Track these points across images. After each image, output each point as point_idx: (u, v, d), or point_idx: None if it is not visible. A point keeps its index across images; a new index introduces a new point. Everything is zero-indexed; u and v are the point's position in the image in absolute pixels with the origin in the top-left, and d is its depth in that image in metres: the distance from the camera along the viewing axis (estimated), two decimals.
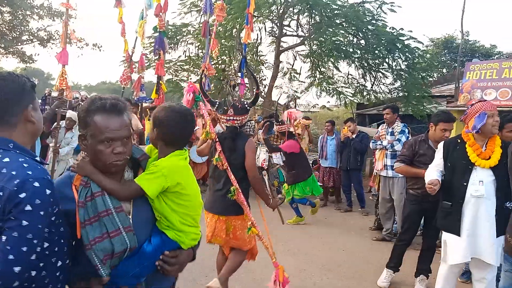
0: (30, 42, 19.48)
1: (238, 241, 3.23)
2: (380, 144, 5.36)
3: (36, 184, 1.23)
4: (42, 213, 1.23)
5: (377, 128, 11.86)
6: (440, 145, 3.32)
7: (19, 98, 1.36)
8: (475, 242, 3.02)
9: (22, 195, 1.20)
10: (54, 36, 19.74)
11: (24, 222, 1.20)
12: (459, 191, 3.07)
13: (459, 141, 3.19)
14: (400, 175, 4.76)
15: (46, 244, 1.30)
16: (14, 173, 1.23)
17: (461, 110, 10.14)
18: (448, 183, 3.18)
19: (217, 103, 3.42)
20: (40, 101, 6.46)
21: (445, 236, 3.20)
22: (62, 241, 1.39)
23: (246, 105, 3.33)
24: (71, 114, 6.19)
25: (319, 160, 7.51)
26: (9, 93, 1.33)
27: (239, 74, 8.41)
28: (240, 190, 3.07)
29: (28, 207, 1.20)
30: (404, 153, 3.89)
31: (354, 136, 6.78)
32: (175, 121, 1.68)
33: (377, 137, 5.56)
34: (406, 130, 5.27)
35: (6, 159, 1.27)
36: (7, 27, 18.77)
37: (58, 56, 5.89)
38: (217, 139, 3.22)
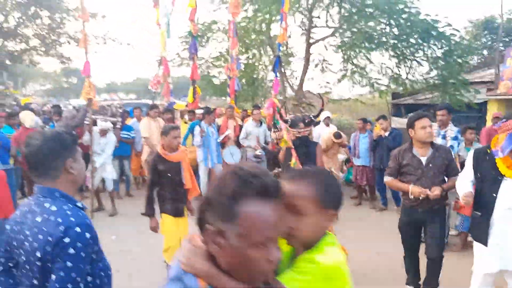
0: (68, 44, 20.26)
1: None
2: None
3: (78, 229, 1.48)
4: (83, 254, 1.48)
5: None
6: (470, 154, 3.27)
7: (60, 154, 1.60)
8: (506, 254, 3.01)
9: (67, 240, 1.45)
10: (89, 37, 20.42)
11: (69, 264, 1.44)
12: (489, 202, 3.05)
13: (488, 151, 3.13)
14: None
15: (89, 278, 1.55)
16: (60, 220, 1.48)
17: (501, 99, 9.70)
18: (478, 193, 3.15)
19: (289, 120, 4.41)
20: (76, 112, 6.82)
21: (475, 246, 3.24)
22: (103, 274, 1.63)
23: (312, 118, 4.30)
24: (102, 124, 6.43)
25: (351, 158, 7.47)
26: (52, 150, 1.58)
27: (273, 72, 8.46)
28: None
29: (71, 250, 1.45)
30: (390, 166, 3.71)
31: (386, 133, 6.66)
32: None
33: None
34: (459, 136, 4.99)
35: (53, 208, 1.53)
36: (46, 31, 19.62)
37: (82, 70, 6.21)
38: (292, 146, 4.16)
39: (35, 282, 1.51)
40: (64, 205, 1.55)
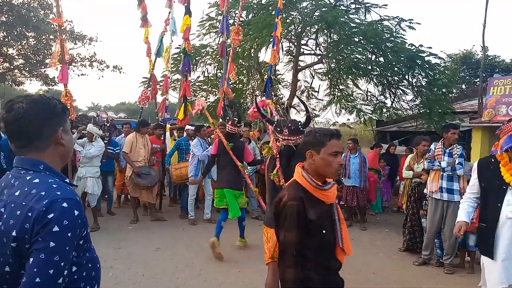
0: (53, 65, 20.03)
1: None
2: (438, 166, 4.98)
3: (65, 204, 1.21)
4: (69, 234, 1.20)
5: (399, 145, 11.68)
6: (475, 165, 3.22)
7: (50, 121, 1.33)
8: None
9: (50, 216, 1.17)
10: (76, 59, 20.30)
11: (52, 244, 1.16)
12: (494, 213, 2.94)
13: (492, 160, 3.07)
14: (456, 199, 4.70)
15: (74, 268, 1.27)
16: (43, 193, 1.21)
17: (485, 126, 9.94)
18: (483, 204, 3.06)
19: (276, 121, 3.77)
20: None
21: (483, 259, 3.10)
22: (90, 265, 1.36)
23: (300, 126, 3.47)
24: (90, 128, 6.24)
25: (342, 179, 7.37)
26: (40, 115, 1.30)
27: (265, 93, 8.47)
28: None
29: (56, 228, 1.17)
30: None
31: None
32: None
33: (431, 156, 5.14)
34: (464, 153, 5.01)
35: (36, 180, 1.26)
36: (31, 51, 19.42)
37: (59, 76, 6.02)
38: (277, 156, 3.54)
39: (7, 269, 1.21)
40: (50, 179, 1.28)
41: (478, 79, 15.01)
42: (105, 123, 7.64)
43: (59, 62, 6.01)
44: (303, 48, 12.95)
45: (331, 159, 1.94)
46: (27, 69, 19.70)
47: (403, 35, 11.33)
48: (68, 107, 5.75)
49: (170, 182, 7.60)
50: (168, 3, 7.77)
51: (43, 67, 20.17)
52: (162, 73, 7.82)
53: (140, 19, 8.24)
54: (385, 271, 4.89)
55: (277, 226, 1.96)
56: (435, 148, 5.15)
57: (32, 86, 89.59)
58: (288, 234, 1.87)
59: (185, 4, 7.24)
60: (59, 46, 5.90)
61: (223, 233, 5.16)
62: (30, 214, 1.18)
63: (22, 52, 19.33)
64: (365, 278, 4.64)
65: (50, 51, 19.80)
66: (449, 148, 5.00)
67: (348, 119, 15.60)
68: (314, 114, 12.06)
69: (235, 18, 11.39)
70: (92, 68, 20.53)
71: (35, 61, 19.66)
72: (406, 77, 11.68)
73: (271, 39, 10.69)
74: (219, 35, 11.70)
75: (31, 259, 1.16)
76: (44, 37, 19.04)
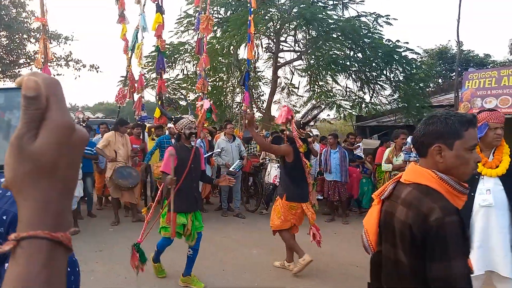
0: (27, 65, 19.50)
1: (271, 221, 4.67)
2: (415, 157, 5.09)
3: None
4: None
5: (378, 139, 11.85)
6: None
7: None
8: (489, 254, 2.95)
9: None
10: (51, 58, 19.79)
11: None
12: (468, 202, 3.00)
13: None
14: None
15: None
16: None
17: None
18: None
19: (174, 118, 4.17)
20: None
21: None
22: (69, 269, 1.29)
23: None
24: None
25: (324, 173, 7.42)
26: None
27: (244, 86, 8.45)
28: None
29: None
30: None
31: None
32: None
33: (408, 148, 5.34)
34: None
35: None
36: (4, 51, 18.82)
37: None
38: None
39: None
40: None
41: (454, 73, 15.38)
42: (81, 123, 7.45)
43: (42, 62, 5.86)
44: (282, 45, 13.00)
45: (468, 156, 1.47)
46: (0, 69, 19.08)
47: (380, 31, 11.51)
48: None
49: (151, 180, 7.48)
50: None
51: (16, 67, 19.58)
52: (139, 70, 7.66)
53: (118, 15, 8.10)
54: (368, 264, 4.94)
55: (428, 257, 1.35)
56: (411, 140, 5.26)
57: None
58: (455, 265, 1.30)
59: (155, 2, 7.16)
60: (43, 45, 5.72)
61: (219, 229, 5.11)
62: (5, 217, 1.14)
63: None
64: (349, 272, 4.68)
65: (24, 50, 19.25)
66: None
67: (328, 115, 15.77)
68: (295, 111, 12.10)
69: (213, 14, 11.32)
70: (68, 67, 20.07)
71: (8, 61, 19.08)
72: (384, 72, 11.87)
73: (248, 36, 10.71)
74: (198, 32, 11.63)
75: (7, 264, 1.11)
76: (17, 36, 18.47)
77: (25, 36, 18.45)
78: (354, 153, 8.27)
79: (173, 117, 4.19)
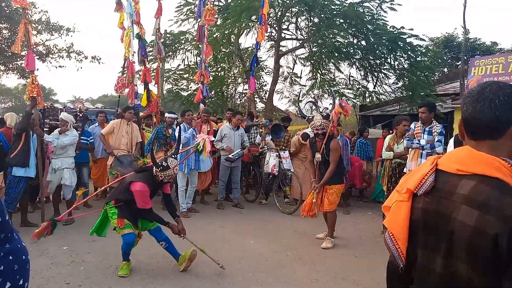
0: None
1: (330, 204, 5.01)
2: (417, 143, 4.92)
3: None
4: None
5: (382, 129, 11.63)
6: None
7: None
8: None
9: None
10: (52, 50, 19.70)
11: None
12: None
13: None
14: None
15: None
16: None
17: None
18: None
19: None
20: (40, 114, 6.26)
21: None
22: (11, 257, 1.21)
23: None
24: (65, 116, 5.98)
25: None
26: None
27: (250, 72, 8.24)
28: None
29: None
30: None
31: None
32: None
33: (411, 134, 5.09)
34: (444, 132, 4.89)
35: None
36: (5, 44, 18.73)
37: (25, 62, 5.70)
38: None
39: None
40: None
41: (460, 62, 15.04)
42: (78, 114, 7.33)
43: (25, 48, 5.70)
44: (284, 33, 12.74)
45: None
46: (2, 61, 19.03)
47: (385, 17, 11.22)
48: (35, 95, 5.47)
49: None
50: None
51: (19, 59, 19.50)
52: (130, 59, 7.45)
53: (115, 3, 7.92)
54: (368, 254, 4.80)
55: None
56: (415, 127, 5.07)
57: (10, 80, 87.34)
58: None
59: None
60: (23, 30, 5.55)
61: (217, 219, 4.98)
62: None
63: None
64: (348, 262, 4.54)
65: (26, 42, 19.12)
66: (429, 126, 4.92)
67: (331, 104, 15.55)
68: (297, 100, 11.90)
69: (214, 1, 11.10)
70: (70, 59, 19.97)
71: (10, 54, 19.00)
72: (388, 60, 11.59)
73: (250, 23, 10.44)
74: (198, 20, 11.42)
75: None
76: (18, 28, 18.36)
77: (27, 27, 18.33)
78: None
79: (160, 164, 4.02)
